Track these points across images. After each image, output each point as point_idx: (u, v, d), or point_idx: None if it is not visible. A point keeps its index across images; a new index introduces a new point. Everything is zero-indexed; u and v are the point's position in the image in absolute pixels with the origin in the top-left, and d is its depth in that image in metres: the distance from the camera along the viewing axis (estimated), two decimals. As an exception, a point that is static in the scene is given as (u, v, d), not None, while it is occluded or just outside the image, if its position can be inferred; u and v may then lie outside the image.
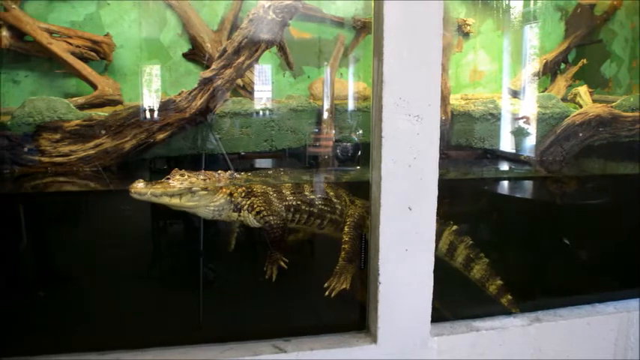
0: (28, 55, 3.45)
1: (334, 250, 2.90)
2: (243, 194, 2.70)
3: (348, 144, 3.21)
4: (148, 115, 2.94)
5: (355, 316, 2.58)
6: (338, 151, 3.19)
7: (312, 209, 2.83)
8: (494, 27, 4.22)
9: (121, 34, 3.58)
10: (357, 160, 3.17)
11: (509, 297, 2.86)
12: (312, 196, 2.83)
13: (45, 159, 2.88)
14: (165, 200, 2.46)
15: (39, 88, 3.52)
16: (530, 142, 3.63)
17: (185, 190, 2.49)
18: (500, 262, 3.01)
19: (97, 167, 2.89)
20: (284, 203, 2.78)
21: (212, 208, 2.63)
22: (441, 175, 2.33)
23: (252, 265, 2.75)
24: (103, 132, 2.92)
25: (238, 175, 2.76)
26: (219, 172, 2.70)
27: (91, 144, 2.91)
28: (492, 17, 4.22)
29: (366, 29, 3.65)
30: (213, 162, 3.08)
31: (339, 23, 3.76)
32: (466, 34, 4.15)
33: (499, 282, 2.90)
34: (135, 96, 3.35)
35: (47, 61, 3.47)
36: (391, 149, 2.23)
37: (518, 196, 3.63)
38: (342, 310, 2.76)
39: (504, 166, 3.69)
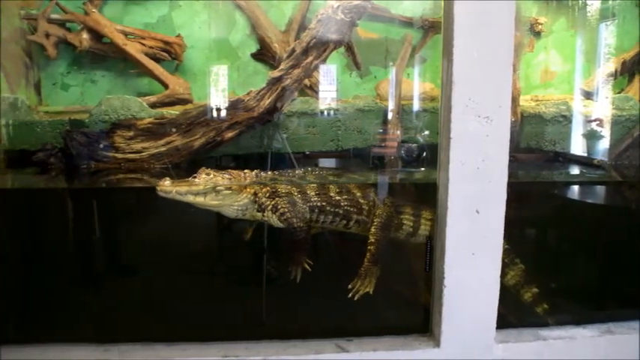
0: (105, 55, 3.61)
1: (397, 250, 2.89)
2: (267, 194, 2.70)
3: (414, 145, 3.17)
4: (216, 114, 3.01)
5: (418, 318, 2.55)
6: (403, 152, 3.16)
7: (337, 210, 2.79)
8: (567, 26, 4.07)
9: (191, 35, 3.69)
10: (422, 161, 3.13)
11: (546, 306, 2.79)
12: (338, 197, 2.79)
13: (119, 155, 3.00)
14: (190, 198, 2.51)
15: (114, 87, 3.67)
16: (604, 145, 3.49)
17: (209, 189, 2.54)
18: (571, 270, 2.91)
19: (167, 164, 2.98)
20: (308, 204, 2.75)
21: (236, 207, 2.65)
22: (509, 179, 2.28)
23: (314, 265, 2.76)
24: (174, 130, 3.01)
25: (264, 175, 2.77)
26: (245, 171, 2.72)
27: (162, 141, 3.01)
28: (565, 16, 4.07)
29: (434, 29, 3.60)
30: (279, 161, 3.12)
31: (407, 23, 3.72)
32: (537, 34, 4.03)
33: (535, 290, 2.83)
34: (204, 95, 3.43)
35: (122, 61, 3.62)
36: (460, 151, 2.20)
37: (590, 201, 3.49)
38: (404, 311, 2.74)
39: (576, 170, 3.56)
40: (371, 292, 2.67)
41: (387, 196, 2.85)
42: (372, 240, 2.73)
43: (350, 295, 2.67)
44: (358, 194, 2.83)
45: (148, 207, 3.15)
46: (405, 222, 2.85)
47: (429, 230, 2.77)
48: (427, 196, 2.56)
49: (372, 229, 2.75)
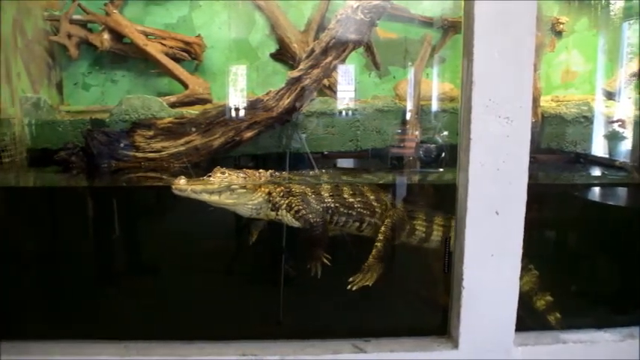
0: (126, 56, 3.66)
1: (418, 253, 2.88)
2: (281, 194, 2.72)
3: (433, 145, 3.16)
4: (235, 113, 3.02)
5: (436, 320, 2.53)
6: (422, 152, 3.15)
7: (350, 212, 2.81)
8: (589, 25, 4.03)
9: (211, 35, 3.73)
10: (441, 162, 3.12)
11: (558, 315, 2.75)
12: (352, 199, 2.80)
13: (139, 154, 3.03)
14: (205, 197, 2.53)
15: (134, 87, 3.72)
16: (627, 146, 3.43)
17: (224, 188, 2.55)
18: (593, 273, 2.86)
19: (186, 164, 2.99)
20: (322, 205, 2.77)
21: (250, 206, 2.67)
22: (529, 180, 2.25)
23: (333, 265, 2.76)
24: (193, 129, 3.02)
25: (278, 175, 2.78)
26: (260, 171, 2.74)
27: (182, 141, 3.02)
28: (587, 15, 4.03)
29: (454, 29, 3.58)
30: (298, 161, 3.12)
31: (426, 23, 3.71)
32: (559, 33, 3.99)
33: (548, 297, 2.80)
34: (223, 95, 3.45)
35: (143, 61, 3.66)
36: (480, 152, 2.18)
37: (611, 203, 3.44)
38: (423, 313, 2.73)
39: (597, 172, 3.51)
40: (370, 286, 2.69)
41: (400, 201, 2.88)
42: (381, 237, 2.76)
43: (349, 287, 2.69)
44: (372, 197, 2.85)
45: (167, 206, 3.17)
46: (417, 227, 2.87)
47: (441, 236, 2.80)
48: (446, 198, 2.55)
49: (382, 228, 2.78)
